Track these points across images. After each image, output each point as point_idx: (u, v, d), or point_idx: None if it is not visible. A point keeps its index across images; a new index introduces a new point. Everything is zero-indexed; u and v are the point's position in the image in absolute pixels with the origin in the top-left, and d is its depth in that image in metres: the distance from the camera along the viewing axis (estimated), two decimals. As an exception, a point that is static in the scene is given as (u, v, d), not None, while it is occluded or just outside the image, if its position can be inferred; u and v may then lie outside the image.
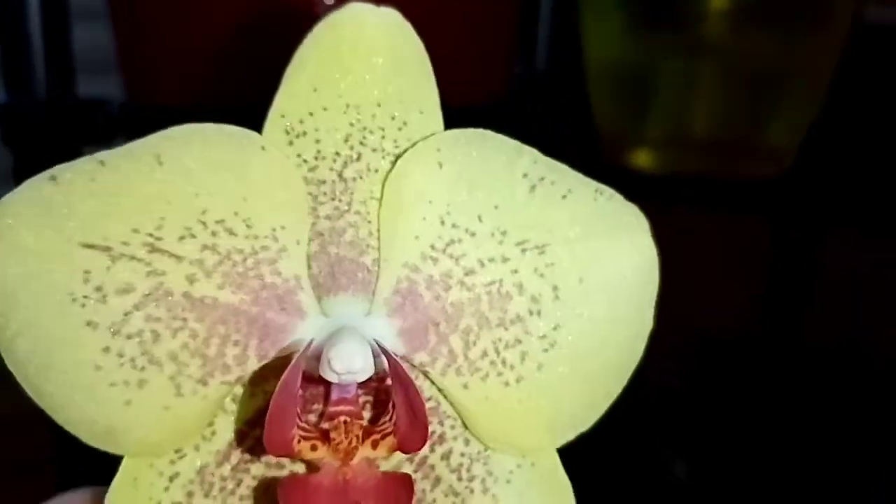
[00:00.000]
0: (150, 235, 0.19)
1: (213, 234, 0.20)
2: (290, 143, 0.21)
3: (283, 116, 0.21)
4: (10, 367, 0.19)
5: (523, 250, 0.21)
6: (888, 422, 0.62)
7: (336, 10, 0.20)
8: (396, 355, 0.20)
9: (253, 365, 0.20)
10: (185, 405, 0.20)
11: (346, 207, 0.21)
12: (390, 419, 0.20)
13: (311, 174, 0.21)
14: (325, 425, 0.20)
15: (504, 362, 0.21)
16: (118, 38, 0.56)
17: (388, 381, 0.20)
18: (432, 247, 0.21)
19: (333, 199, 0.21)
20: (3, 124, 0.52)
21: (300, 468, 0.21)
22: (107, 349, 0.19)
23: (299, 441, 0.19)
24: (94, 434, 0.20)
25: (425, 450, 0.21)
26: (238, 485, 0.21)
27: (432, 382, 0.22)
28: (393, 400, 0.20)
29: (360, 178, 0.21)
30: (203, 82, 0.51)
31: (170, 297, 0.20)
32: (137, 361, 0.19)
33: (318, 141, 0.21)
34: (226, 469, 0.21)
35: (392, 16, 0.21)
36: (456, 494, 0.22)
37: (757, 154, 0.61)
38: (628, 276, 0.21)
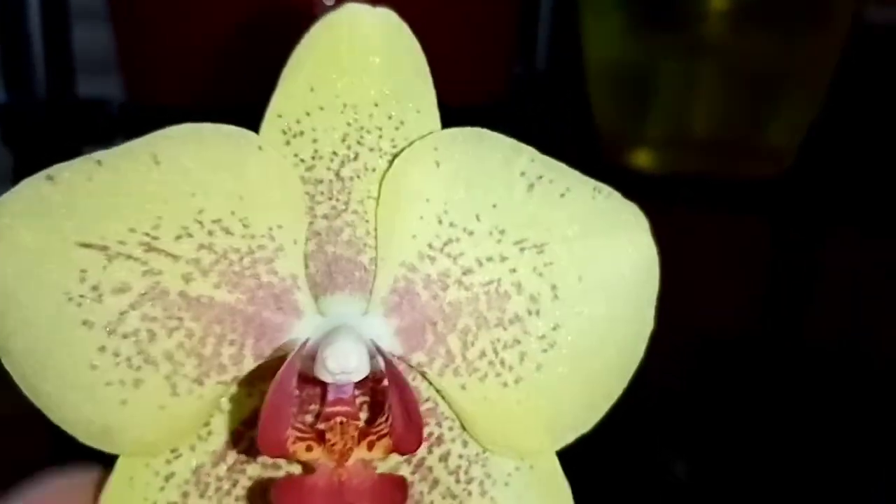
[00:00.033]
0: (147, 235, 0.19)
1: (210, 233, 0.20)
2: (288, 142, 0.21)
3: (280, 116, 0.21)
4: (7, 366, 0.20)
5: (522, 249, 0.21)
6: (888, 422, 0.62)
7: (334, 10, 0.20)
8: (394, 355, 0.20)
9: (249, 364, 0.20)
10: (181, 405, 0.20)
11: (344, 207, 0.21)
12: (386, 420, 0.20)
13: (309, 173, 0.21)
14: (321, 426, 0.20)
15: (503, 363, 0.21)
16: (118, 38, 0.56)
17: (384, 382, 0.20)
18: (430, 246, 0.21)
19: (331, 199, 0.21)
20: (2, 124, 0.52)
21: (296, 469, 0.21)
22: (102, 348, 0.19)
23: (294, 442, 0.19)
24: (90, 433, 0.20)
25: (423, 451, 0.22)
26: (234, 485, 0.21)
27: (430, 383, 0.22)
28: (388, 401, 0.20)
29: (358, 177, 0.21)
30: (203, 82, 0.51)
31: (166, 297, 0.20)
32: (133, 361, 0.20)
33: (315, 140, 0.21)
34: (222, 469, 0.21)
35: (388, 16, 0.21)
36: (454, 497, 0.22)
37: (757, 154, 0.61)
38: (627, 274, 0.21)
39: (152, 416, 0.20)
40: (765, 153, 0.61)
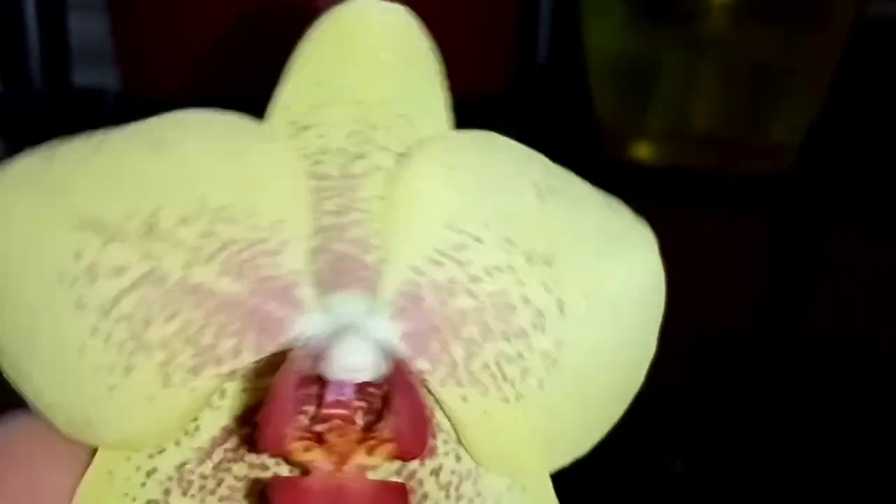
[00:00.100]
0: (147, 219, 0.19)
1: (212, 221, 0.19)
2: (294, 135, 0.20)
3: (286, 109, 0.20)
4: None
5: (530, 261, 0.20)
6: (888, 422, 0.62)
7: (340, 2, 0.20)
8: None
9: (247, 359, 0.20)
10: (172, 397, 0.19)
11: (351, 204, 0.20)
12: (389, 424, 0.19)
13: (315, 168, 0.20)
14: (320, 427, 0.19)
15: (505, 377, 0.20)
16: (115, 29, 0.55)
17: (387, 386, 0.19)
18: (438, 251, 0.20)
19: (338, 196, 0.20)
20: (-2, 115, 0.52)
21: (285, 470, 0.21)
22: (94, 330, 0.19)
23: (293, 440, 0.19)
24: (72, 421, 0.19)
25: (415, 463, 0.21)
26: (218, 484, 0.21)
27: (429, 392, 0.21)
28: (394, 404, 0.19)
29: (365, 175, 0.20)
30: (200, 73, 0.50)
31: (165, 282, 0.19)
32: (126, 345, 0.19)
33: (321, 136, 0.20)
34: (207, 467, 0.20)
35: (400, 12, 0.20)
36: None
37: (757, 150, 0.60)
38: (635, 295, 0.21)
39: (140, 407, 0.19)
40: (765, 149, 0.60)
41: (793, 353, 0.70)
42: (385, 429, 0.19)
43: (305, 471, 0.19)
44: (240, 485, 0.21)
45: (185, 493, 0.20)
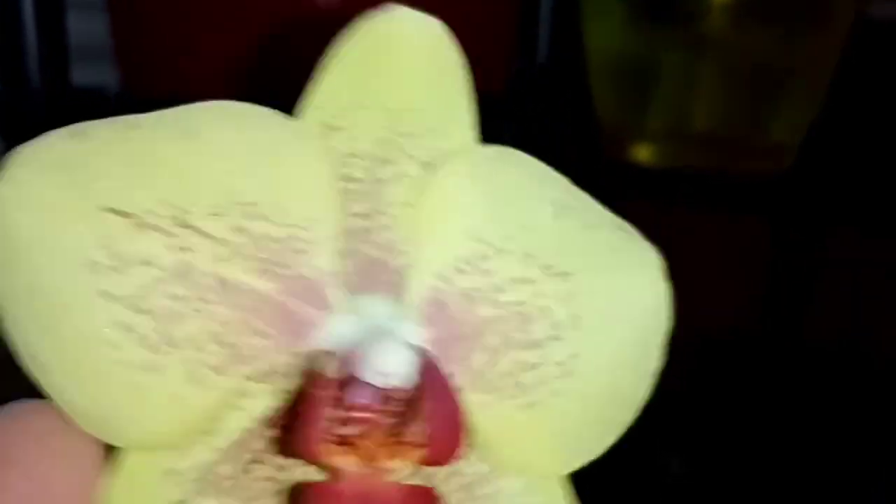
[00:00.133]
0: (179, 209, 0.18)
1: (244, 216, 0.19)
2: (325, 135, 0.20)
3: (319, 108, 0.20)
4: (10, 335, 0.18)
5: (548, 275, 0.21)
6: (888, 422, 0.62)
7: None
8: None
9: (274, 358, 0.19)
10: (196, 395, 0.19)
11: (378, 209, 0.20)
12: (419, 429, 0.19)
13: (345, 170, 0.20)
14: (349, 430, 0.19)
15: (522, 385, 0.21)
16: (114, 27, 0.55)
17: (415, 390, 0.19)
18: (463, 260, 0.21)
19: (365, 199, 0.20)
20: (-3, 114, 0.52)
21: (309, 471, 0.20)
22: (119, 323, 0.18)
23: (323, 444, 0.18)
24: (93, 418, 0.18)
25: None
26: (241, 485, 0.20)
27: None
28: (426, 409, 0.19)
29: (392, 181, 0.21)
30: (199, 72, 0.50)
31: (195, 276, 0.18)
32: (152, 340, 0.18)
33: (352, 138, 0.20)
34: (230, 467, 0.20)
35: (434, 24, 0.20)
36: None
37: (758, 150, 0.60)
38: (642, 312, 0.22)
39: (164, 406, 0.19)
40: (766, 150, 0.60)
41: (793, 353, 0.70)
42: (415, 433, 0.19)
43: (333, 474, 0.19)
44: (263, 485, 0.20)
45: (208, 494, 0.20)
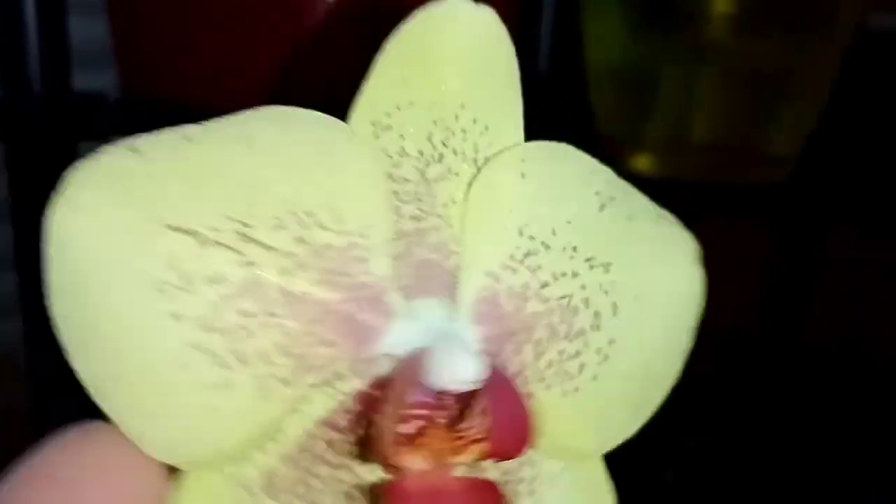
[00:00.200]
0: (242, 223, 0.18)
1: (304, 226, 0.18)
2: (376, 136, 0.20)
3: (369, 108, 0.20)
4: (73, 364, 0.17)
5: (591, 267, 0.21)
6: (888, 422, 0.62)
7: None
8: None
9: (340, 366, 0.19)
10: (267, 408, 0.18)
11: (430, 209, 0.20)
12: (483, 425, 0.19)
13: (395, 171, 0.20)
14: (415, 429, 0.19)
15: (566, 373, 0.21)
16: (115, 32, 0.55)
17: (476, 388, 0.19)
18: (511, 257, 0.20)
19: (417, 200, 0.20)
20: (-2, 119, 0.52)
21: (374, 470, 0.20)
22: (190, 344, 0.17)
23: (393, 445, 0.18)
24: (157, 443, 0.18)
25: None
26: (303, 487, 0.20)
27: None
28: (491, 406, 0.19)
29: (441, 180, 0.20)
30: (201, 77, 0.50)
31: (263, 291, 0.18)
32: (223, 358, 0.18)
33: (402, 137, 0.20)
34: (291, 471, 0.20)
35: (489, 14, 0.20)
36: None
37: (758, 160, 0.60)
38: (677, 299, 0.22)
39: (232, 423, 0.18)
40: (766, 159, 0.60)
41: (793, 353, 0.70)
42: (478, 428, 0.19)
43: (399, 473, 0.19)
44: (324, 486, 0.20)
45: (272, 498, 0.20)
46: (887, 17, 0.63)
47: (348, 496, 0.20)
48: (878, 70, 0.63)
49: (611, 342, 0.22)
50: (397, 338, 0.20)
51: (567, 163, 0.21)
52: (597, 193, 0.21)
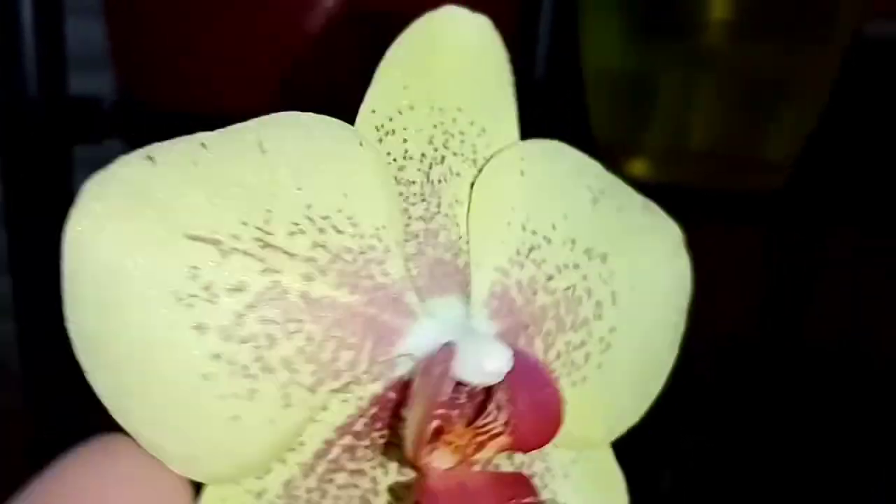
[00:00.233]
0: (260, 229, 0.18)
1: (321, 230, 0.18)
2: (380, 140, 0.20)
3: (374, 112, 0.20)
4: (92, 379, 0.17)
5: (590, 258, 0.22)
6: (888, 422, 0.62)
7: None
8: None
9: (362, 370, 0.19)
10: (290, 417, 0.18)
11: (437, 210, 0.21)
12: (510, 417, 0.19)
13: (401, 174, 0.20)
14: (442, 427, 0.19)
15: (573, 363, 0.22)
16: (112, 35, 0.55)
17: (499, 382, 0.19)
18: (517, 252, 0.21)
19: (423, 201, 0.21)
20: (-6, 122, 0.52)
21: (393, 474, 0.20)
22: (217, 356, 0.17)
23: (424, 445, 0.18)
24: (180, 458, 0.17)
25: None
26: (322, 495, 0.20)
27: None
28: (511, 398, 0.19)
29: (445, 180, 0.21)
30: (198, 81, 0.50)
31: (286, 297, 0.18)
32: (250, 369, 0.17)
33: (405, 140, 0.20)
34: (311, 481, 0.19)
35: (485, 23, 0.21)
36: None
37: (756, 166, 0.60)
38: (668, 285, 0.24)
39: (259, 434, 0.18)
40: (764, 165, 0.60)
41: (793, 354, 0.70)
42: (504, 422, 0.19)
43: (425, 472, 0.19)
44: (338, 493, 0.20)
45: None
46: (885, 24, 0.63)
47: (364, 502, 0.20)
48: (875, 77, 0.63)
49: (611, 330, 0.22)
50: (418, 338, 0.20)
51: (561, 159, 0.22)
52: (589, 187, 0.22)
